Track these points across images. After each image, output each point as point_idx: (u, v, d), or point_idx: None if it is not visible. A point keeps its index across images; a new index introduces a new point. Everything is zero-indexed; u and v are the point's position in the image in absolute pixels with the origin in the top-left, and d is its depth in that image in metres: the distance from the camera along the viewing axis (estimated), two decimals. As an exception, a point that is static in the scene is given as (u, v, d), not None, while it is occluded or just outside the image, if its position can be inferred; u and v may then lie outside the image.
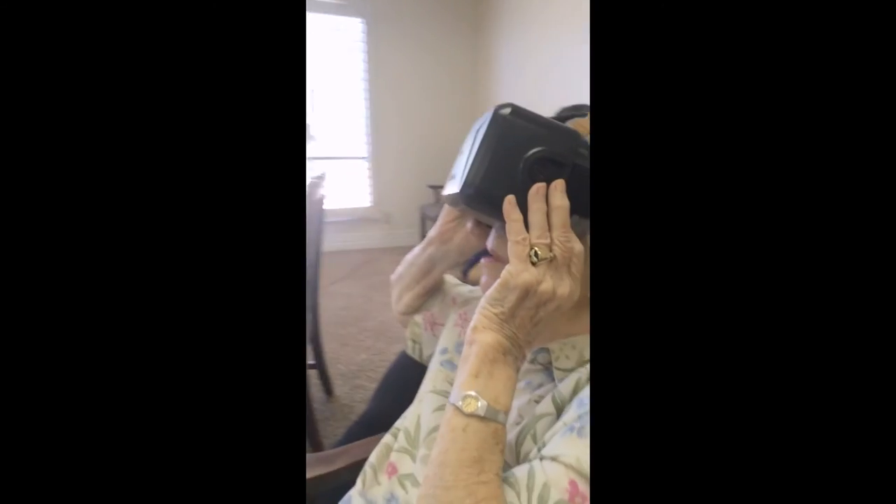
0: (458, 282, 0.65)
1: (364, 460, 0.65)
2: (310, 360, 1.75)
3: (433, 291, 0.62)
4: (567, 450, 0.36)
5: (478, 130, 0.42)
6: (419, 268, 0.59)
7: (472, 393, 0.37)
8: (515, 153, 0.40)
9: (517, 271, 0.38)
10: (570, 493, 0.34)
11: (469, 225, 0.52)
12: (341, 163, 4.19)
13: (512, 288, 0.38)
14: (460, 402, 0.37)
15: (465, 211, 0.50)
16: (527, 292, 0.38)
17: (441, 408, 0.50)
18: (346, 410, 1.75)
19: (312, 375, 1.79)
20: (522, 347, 0.40)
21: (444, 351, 0.56)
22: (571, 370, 0.43)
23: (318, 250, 1.67)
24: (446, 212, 0.55)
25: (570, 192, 0.40)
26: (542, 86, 3.35)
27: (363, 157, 4.24)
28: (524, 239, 0.38)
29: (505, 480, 0.37)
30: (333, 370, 1.95)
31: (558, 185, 0.39)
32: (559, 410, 0.41)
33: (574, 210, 0.39)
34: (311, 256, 1.62)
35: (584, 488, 0.34)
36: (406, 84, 4.17)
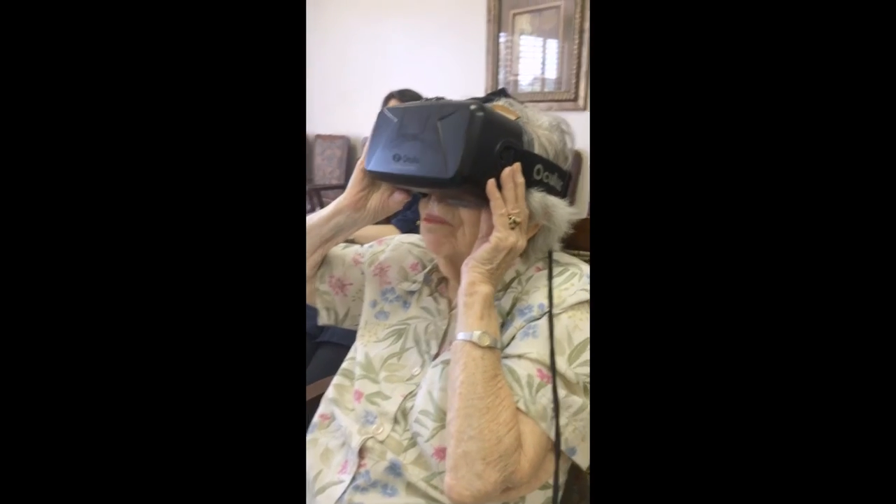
0: (343, 244, 0.73)
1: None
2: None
3: (324, 259, 0.70)
4: (529, 349, 0.52)
5: (439, 121, 0.52)
6: (321, 237, 0.66)
7: (484, 331, 0.50)
8: (489, 144, 0.50)
9: (505, 237, 0.51)
10: (540, 375, 0.51)
11: (395, 193, 0.62)
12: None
13: (502, 249, 0.51)
14: (476, 339, 0.50)
15: (441, 192, 0.58)
16: (511, 251, 0.52)
17: (389, 345, 0.64)
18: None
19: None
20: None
21: (374, 303, 0.68)
22: (503, 291, 0.58)
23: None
24: (356, 181, 0.62)
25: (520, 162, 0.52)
26: (368, 71, 3.39)
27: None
28: (505, 212, 0.51)
29: None
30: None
31: (517, 168, 0.51)
32: (503, 317, 0.57)
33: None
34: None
35: (544, 371, 0.51)
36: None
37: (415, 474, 0.55)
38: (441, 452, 0.54)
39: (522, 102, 0.59)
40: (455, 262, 0.61)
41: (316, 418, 0.65)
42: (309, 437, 0.64)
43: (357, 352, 0.67)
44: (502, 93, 0.59)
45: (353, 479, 0.56)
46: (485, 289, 0.52)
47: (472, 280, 0.53)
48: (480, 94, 2.02)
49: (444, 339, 0.63)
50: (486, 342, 0.50)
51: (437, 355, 0.62)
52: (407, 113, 0.56)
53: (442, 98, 0.58)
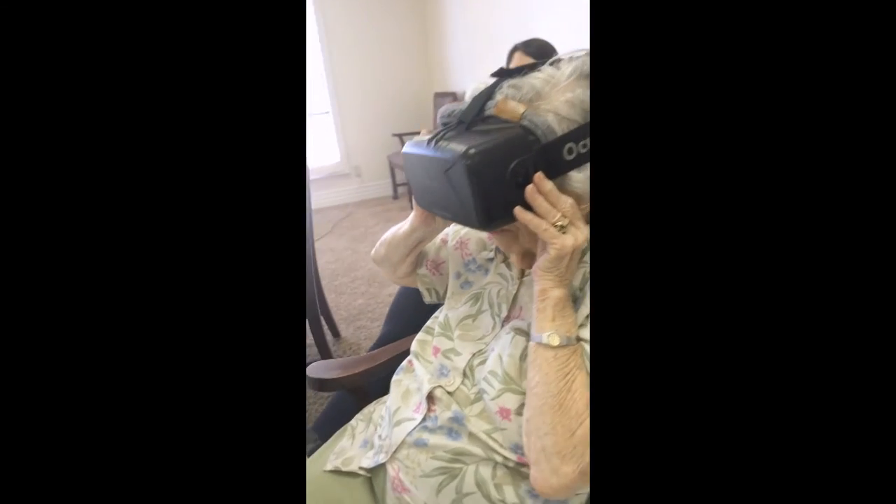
0: None
1: (398, 355, 0.88)
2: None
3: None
4: None
5: (445, 173, 0.51)
6: (409, 247, 0.73)
7: (553, 332, 0.52)
8: (499, 180, 0.49)
9: (561, 245, 0.50)
10: None
11: None
12: (308, 120, 4.22)
13: (563, 255, 0.51)
14: (546, 340, 0.52)
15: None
16: (573, 253, 0.51)
17: (468, 308, 0.69)
18: (354, 348, 1.99)
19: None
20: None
21: (459, 275, 0.73)
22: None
23: (309, 208, 1.84)
24: (416, 205, 0.65)
25: (540, 166, 0.50)
26: (489, 23, 3.42)
27: (326, 112, 4.27)
28: (547, 226, 0.50)
29: None
30: (336, 316, 2.16)
31: (538, 178, 0.49)
32: (574, 293, 0.57)
33: (550, 177, 0.50)
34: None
35: None
36: (359, 35, 4.15)
37: (477, 426, 0.59)
38: (504, 412, 0.58)
39: (526, 71, 0.54)
40: (528, 256, 0.62)
41: (404, 363, 0.74)
42: (395, 378, 0.73)
43: (441, 313, 0.73)
44: (501, 73, 0.55)
45: (424, 419, 0.63)
46: (556, 293, 0.53)
47: (542, 287, 0.54)
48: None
49: (514, 304, 0.65)
50: (556, 342, 0.52)
51: (507, 318, 0.64)
52: (417, 161, 0.55)
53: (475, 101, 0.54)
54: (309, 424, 1.34)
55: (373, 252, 0.80)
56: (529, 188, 0.50)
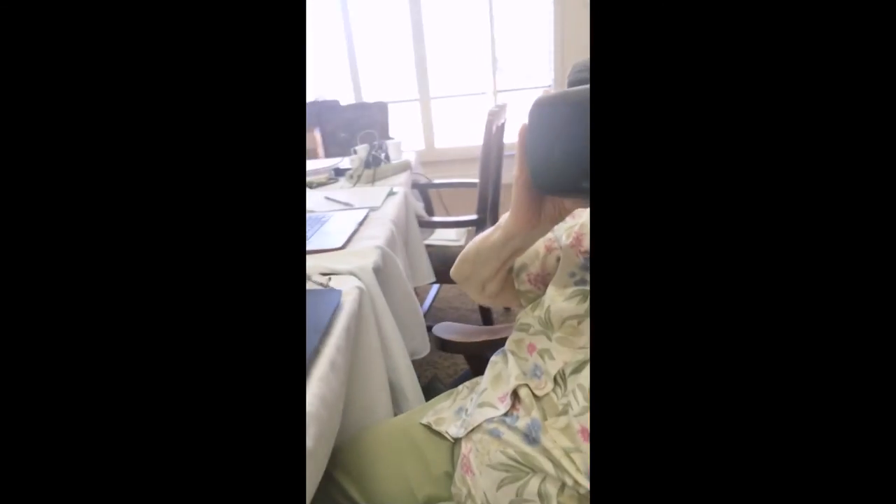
0: None
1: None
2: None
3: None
4: None
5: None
6: (502, 259, 0.62)
7: None
8: None
9: None
10: None
11: (566, 200, 0.52)
12: (528, 93, 4.26)
13: None
14: None
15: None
16: None
17: (574, 305, 0.60)
18: (521, 322, 2.01)
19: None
20: None
21: (573, 274, 0.62)
22: None
23: (497, 182, 1.86)
24: (522, 203, 0.53)
25: None
26: None
27: (548, 86, 4.24)
28: None
29: None
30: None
31: None
32: None
33: None
34: (486, 187, 1.80)
35: None
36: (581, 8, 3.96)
37: (555, 441, 0.54)
38: (584, 433, 0.52)
39: None
40: None
41: (505, 347, 0.70)
42: (494, 358, 0.71)
43: (541, 307, 0.64)
44: None
45: (505, 414, 0.61)
46: None
47: None
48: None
49: None
50: None
51: None
52: (554, 117, 0.43)
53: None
54: (447, 381, 1.42)
55: (453, 270, 0.72)
56: None
